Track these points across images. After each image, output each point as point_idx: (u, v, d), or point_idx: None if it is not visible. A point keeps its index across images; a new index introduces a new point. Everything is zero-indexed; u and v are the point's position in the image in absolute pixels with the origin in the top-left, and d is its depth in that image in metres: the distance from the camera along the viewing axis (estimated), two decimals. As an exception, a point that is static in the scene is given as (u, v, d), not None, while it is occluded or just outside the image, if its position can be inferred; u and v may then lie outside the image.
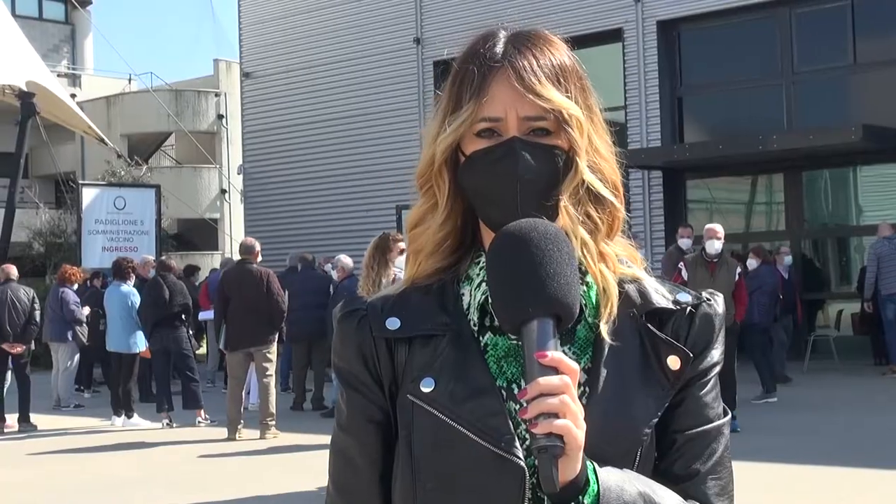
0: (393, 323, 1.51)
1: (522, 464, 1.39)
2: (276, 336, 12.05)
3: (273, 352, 12.01)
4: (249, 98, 25.06)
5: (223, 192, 31.40)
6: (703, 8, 18.76)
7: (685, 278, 10.84)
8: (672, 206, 18.91)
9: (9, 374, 13.50)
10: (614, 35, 19.04)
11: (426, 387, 1.46)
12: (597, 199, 1.51)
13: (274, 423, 11.83)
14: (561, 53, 1.52)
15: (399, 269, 9.21)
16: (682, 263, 11.28)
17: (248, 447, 11.32)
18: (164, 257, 16.17)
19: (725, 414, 1.53)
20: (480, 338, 1.50)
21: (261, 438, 11.68)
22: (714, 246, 10.99)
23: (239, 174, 25.76)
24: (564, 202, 1.48)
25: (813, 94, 18.36)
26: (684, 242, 13.79)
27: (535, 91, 1.46)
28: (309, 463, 10.32)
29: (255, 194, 24.77)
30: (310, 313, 13.91)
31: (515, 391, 1.45)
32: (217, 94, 32.22)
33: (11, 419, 13.25)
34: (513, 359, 1.47)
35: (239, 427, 11.85)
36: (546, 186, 1.47)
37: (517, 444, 1.40)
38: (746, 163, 18.28)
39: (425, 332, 1.50)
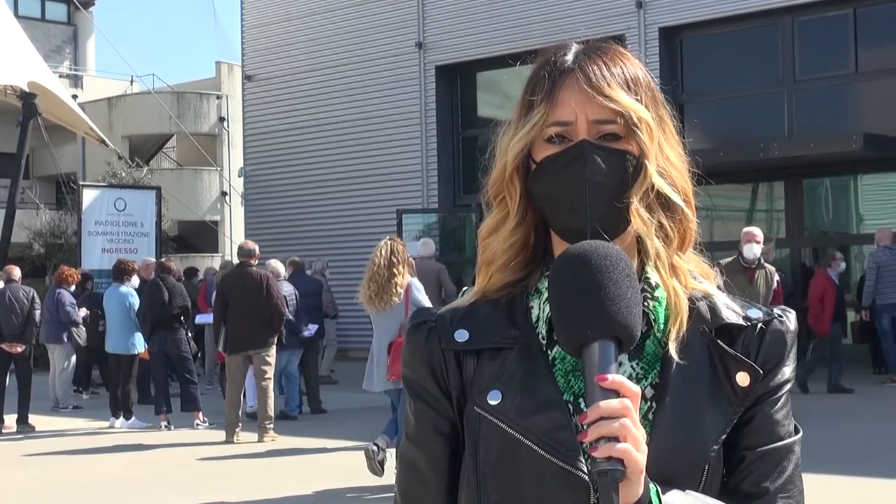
0: (461, 335, 1.51)
1: (587, 478, 1.39)
2: (275, 339, 12.04)
3: (272, 355, 12.00)
4: (251, 101, 25.06)
5: (224, 194, 31.40)
6: (706, 15, 18.78)
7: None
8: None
9: (8, 376, 13.51)
10: (616, 41, 19.01)
11: (493, 399, 1.46)
12: (668, 206, 1.50)
13: (272, 426, 11.82)
14: (633, 65, 1.54)
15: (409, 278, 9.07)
16: (717, 269, 10.66)
17: (246, 450, 11.31)
18: (163, 259, 16.16)
19: (797, 432, 1.52)
20: (549, 351, 1.49)
21: (259, 441, 11.67)
22: (753, 250, 10.23)
23: (240, 177, 25.77)
24: (636, 205, 1.47)
25: (814, 103, 18.36)
26: None
27: (603, 93, 1.47)
28: (307, 466, 10.32)
29: (255, 197, 24.77)
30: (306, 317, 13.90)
31: (582, 405, 1.44)
32: (218, 97, 32.23)
33: (10, 420, 13.24)
34: (580, 373, 1.45)
35: (237, 430, 11.85)
36: (616, 191, 1.47)
37: (582, 458, 1.40)
38: (747, 170, 18.28)
39: (494, 344, 1.50)
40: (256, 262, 12.28)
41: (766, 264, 10.44)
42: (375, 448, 8.58)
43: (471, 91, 22.16)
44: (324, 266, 17.38)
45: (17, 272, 13.93)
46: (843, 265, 15.03)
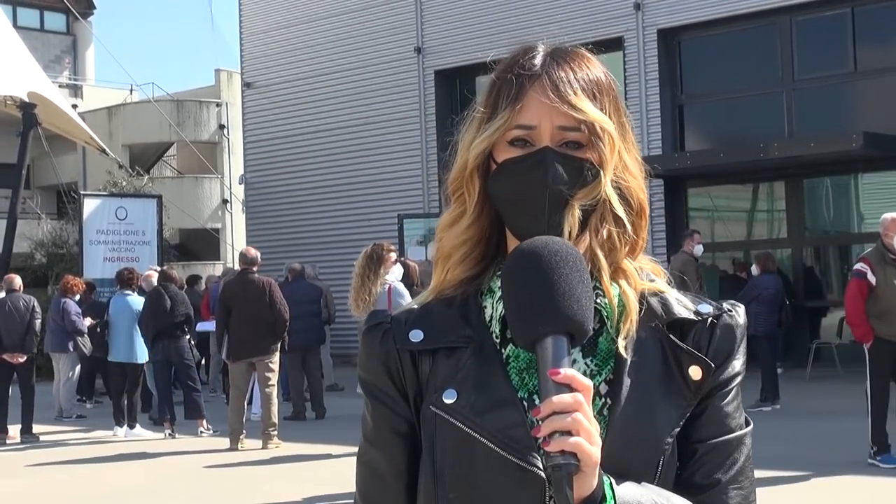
0: (416, 335, 1.53)
1: (542, 474, 1.40)
2: (279, 346, 12.04)
3: (275, 361, 12.01)
4: (251, 108, 25.09)
5: (225, 201, 31.39)
6: (704, 16, 18.79)
7: (872, 282, 9.21)
8: (673, 214, 18.92)
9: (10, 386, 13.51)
10: (615, 43, 19.05)
11: (448, 398, 1.48)
12: (618, 217, 1.53)
13: (276, 432, 11.82)
14: (598, 70, 1.54)
15: (392, 278, 9.19)
16: (864, 264, 9.33)
17: (251, 457, 11.32)
18: (165, 267, 16.17)
19: (748, 424, 1.54)
20: (503, 350, 1.51)
21: (263, 448, 11.67)
22: None
23: (240, 184, 25.79)
24: (574, 205, 1.49)
25: (813, 102, 18.37)
26: (699, 249, 13.67)
27: (569, 102, 1.49)
28: (311, 472, 10.32)
29: (256, 204, 24.79)
30: (303, 322, 13.87)
31: (537, 402, 1.45)
32: (218, 104, 32.23)
33: (14, 430, 13.24)
34: (534, 371, 1.47)
35: (241, 437, 11.85)
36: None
37: (537, 454, 1.41)
38: (747, 171, 18.29)
39: (448, 344, 1.51)
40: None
41: None
42: None
43: (470, 95, 22.17)
44: (315, 271, 17.10)
45: (17, 281, 13.90)
46: None
